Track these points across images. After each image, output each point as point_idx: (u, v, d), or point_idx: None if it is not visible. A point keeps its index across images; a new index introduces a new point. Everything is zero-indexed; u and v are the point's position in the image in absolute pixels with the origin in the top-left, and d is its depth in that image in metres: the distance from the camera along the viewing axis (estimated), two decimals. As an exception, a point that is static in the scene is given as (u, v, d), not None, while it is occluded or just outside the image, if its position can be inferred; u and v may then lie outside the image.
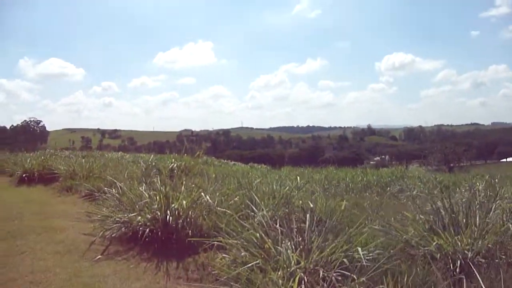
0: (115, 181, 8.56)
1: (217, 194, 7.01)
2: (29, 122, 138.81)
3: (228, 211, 6.09)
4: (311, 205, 6.21)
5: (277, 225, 4.96)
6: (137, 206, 6.66)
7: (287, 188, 7.60)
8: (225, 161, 32.20)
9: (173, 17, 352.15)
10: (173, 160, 13.03)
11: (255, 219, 5.41)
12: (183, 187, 7.35)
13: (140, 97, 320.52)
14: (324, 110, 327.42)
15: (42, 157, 14.49)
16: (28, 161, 13.93)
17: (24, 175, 12.91)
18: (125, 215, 6.43)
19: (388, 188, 11.00)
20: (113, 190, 8.43)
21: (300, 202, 6.67)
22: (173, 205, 6.12)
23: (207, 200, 6.47)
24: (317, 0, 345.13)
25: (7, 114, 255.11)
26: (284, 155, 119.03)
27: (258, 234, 4.80)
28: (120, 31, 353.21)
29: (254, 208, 5.89)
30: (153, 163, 12.48)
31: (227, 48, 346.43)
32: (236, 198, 6.95)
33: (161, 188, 7.00)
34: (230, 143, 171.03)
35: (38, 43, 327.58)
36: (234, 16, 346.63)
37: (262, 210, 5.62)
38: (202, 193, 6.53)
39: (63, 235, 6.88)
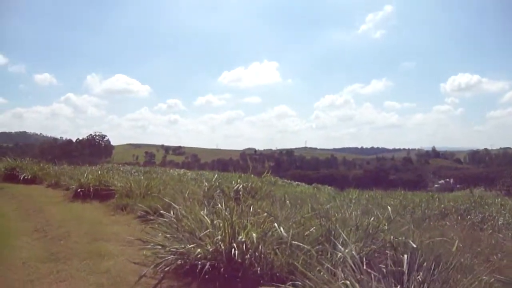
0: (172, 203, 7.96)
1: (290, 223, 6.22)
2: (94, 136, 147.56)
3: (305, 246, 5.27)
4: (411, 243, 5.19)
5: (365, 266, 4.33)
6: (197, 235, 6.00)
7: (372, 218, 6.64)
8: (289, 181, 32.19)
9: (238, 36, 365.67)
10: (239, 180, 12.38)
11: (338, 256, 4.86)
12: (250, 213, 6.64)
13: (205, 115, 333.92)
14: (389, 131, 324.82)
15: (99, 172, 14.51)
16: (85, 175, 14.01)
17: (79, 189, 12.95)
18: (183, 246, 5.78)
19: (469, 217, 10.34)
20: (171, 212, 8.00)
21: (391, 237, 5.68)
22: (240, 237, 5.37)
23: (281, 232, 5.65)
24: (382, 20, 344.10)
25: (74, 127, 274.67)
26: (348, 176, 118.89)
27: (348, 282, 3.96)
28: (186, 49, 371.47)
29: (337, 243, 5.22)
30: (217, 183, 11.91)
31: (292, 68, 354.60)
32: (312, 229, 6.09)
33: (226, 214, 6.33)
34: (293, 163, 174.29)
35: (105, 60, 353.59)
36: (299, 36, 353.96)
37: (346, 244, 5.11)
38: (275, 224, 5.71)
39: (110, 262, 6.41)
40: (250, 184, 11.88)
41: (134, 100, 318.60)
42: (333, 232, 5.72)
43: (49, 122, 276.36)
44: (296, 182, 32.49)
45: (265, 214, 6.90)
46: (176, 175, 35.08)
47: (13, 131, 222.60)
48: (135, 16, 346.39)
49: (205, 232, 5.97)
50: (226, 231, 5.59)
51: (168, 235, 6.50)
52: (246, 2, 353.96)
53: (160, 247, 6.04)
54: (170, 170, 41.00)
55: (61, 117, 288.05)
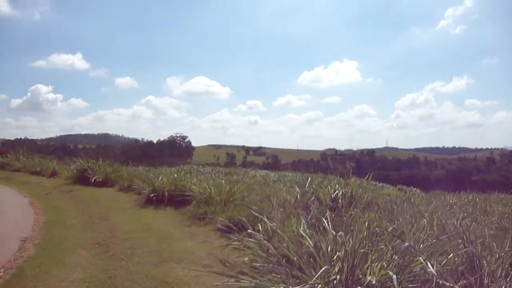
0: (261, 217, 6.61)
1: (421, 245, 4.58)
2: (175, 137, 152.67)
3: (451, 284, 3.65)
4: None
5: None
6: (296, 264, 4.51)
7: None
8: (374, 183, 31.84)
9: (318, 37, 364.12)
10: (337, 185, 10.76)
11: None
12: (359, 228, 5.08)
13: (285, 116, 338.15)
14: (470, 130, 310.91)
15: (175, 175, 13.52)
16: (159, 178, 13.09)
17: (152, 194, 12.03)
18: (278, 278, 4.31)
19: None
20: (259, 227, 6.64)
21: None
22: (368, 276, 3.75)
23: (427, 266, 3.96)
24: (462, 16, 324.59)
25: (154, 129, 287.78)
26: (429, 176, 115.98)
27: None
28: (266, 50, 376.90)
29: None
30: (311, 189, 10.34)
31: (372, 67, 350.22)
32: (450, 256, 4.41)
33: (333, 233, 4.78)
34: (375, 164, 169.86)
35: (185, 62, 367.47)
36: (379, 34, 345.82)
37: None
38: (420, 258, 4.03)
39: (179, 296, 5.08)
40: (350, 190, 10.22)
41: (215, 102, 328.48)
42: (476, 260, 4.37)
43: (130, 124, 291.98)
44: (381, 184, 32.76)
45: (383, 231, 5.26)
46: (258, 176, 34.48)
47: (95, 132, 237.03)
48: (214, 18, 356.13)
49: (307, 262, 4.44)
50: (344, 263, 3.98)
51: (257, 263, 5.05)
52: (325, 2, 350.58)
53: (247, 281, 4.57)
54: (252, 171, 40.51)
55: (142, 119, 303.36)
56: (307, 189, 10.21)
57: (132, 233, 8.58)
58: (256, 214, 7.36)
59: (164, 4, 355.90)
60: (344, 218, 8.34)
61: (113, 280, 5.80)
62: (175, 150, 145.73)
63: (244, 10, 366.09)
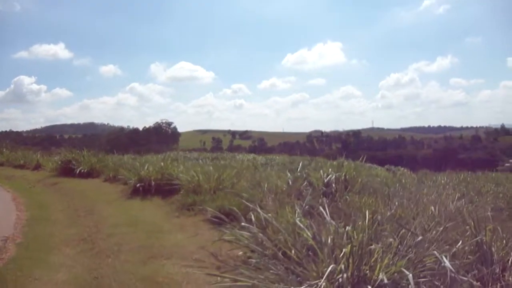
0: (253, 206, 6.31)
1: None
2: (161, 123, 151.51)
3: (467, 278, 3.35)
4: None
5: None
6: (294, 258, 4.19)
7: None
8: (360, 163, 32.50)
9: (301, 18, 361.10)
10: (329, 168, 10.45)
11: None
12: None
13: (270, 99, 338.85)
14: (456, 109, 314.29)
15: (162, 163, 13.10)
16: (145, 167, 12.67)
17: (138, 184, 11.64)
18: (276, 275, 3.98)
19: None
20: (252, 216, 6.32)
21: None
22: (377, 272, 3.43)
23: (445, 262, 3.63)
24: None
25: (140, 116, 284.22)
26: (416, 156, 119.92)
27: None
28: (249, 33, 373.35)
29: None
30: (303, 174, 10.01)
31: (356, 47, 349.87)
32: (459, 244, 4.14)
33: (331, 222, 4.46)
34: (361, 144, 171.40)
35: (168, 48, 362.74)
36: (362, 15, 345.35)
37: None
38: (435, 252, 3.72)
39: (170, 297, 4.76)
40: (344, 173, 9.93)
41: (199, 87, 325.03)
42: (486, 248, 4.11)
43: (115, 112, 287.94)
44: (368, 164, 32.77)
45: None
46: (246, 160, 34.20)
47: (81, 122, 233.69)
48: (195, 3, 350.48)
49: (306, 256, 4.11)
50: (350, 260, 3.65)
51: (253, 259, 4.72)
52: None
53: (243, 281, 4.23)
54: (239, 155, 40.17)
55: (127, 106, 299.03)
56: (299, 174, 9.87)
57: (118, 227, 8.22)
58: (247, 204, 7.00)
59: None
60: (340, 203, 8.09)
61: (100, 281, 5.45)
62: (161, 136, 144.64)
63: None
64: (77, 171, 15.49)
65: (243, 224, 5.91)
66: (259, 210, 6.27)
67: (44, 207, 10.95)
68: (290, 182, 9.46)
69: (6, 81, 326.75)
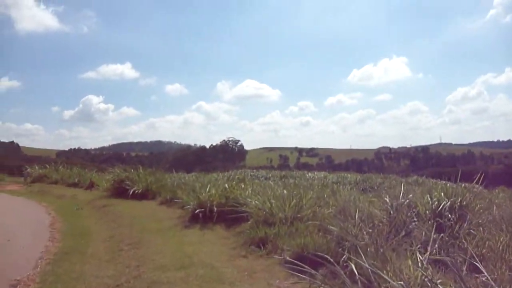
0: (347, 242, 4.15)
1: None
2: (227, 141, 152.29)
3: None
4: None
5: None
6: None
7: None
8: (434, 180, 30.05)
9: (365, 34, 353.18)
10: (440, 193, 8.02)
11: None
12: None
13: (337, 115, 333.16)
14: None
15: (225, 185, 11.11)
16: (207, 189, 10.77)
17: (197, 210, 9.74)
18: None
19: None
20: (352, 266, 4.29)
21: None
22: None
23: None
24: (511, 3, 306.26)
25: (206, 134, 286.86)
26: (487, 172, 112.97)
27: None
28: (314, 50, 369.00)
29: None
30: (405, 200, 7.59)
31: (421, 62, 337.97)
32: None
33: None
34: (429, 160, 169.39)
35: (233, 67, 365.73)
36: (426, 28, 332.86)
37: None
38: None
39: None
40: (459, 199, 7.52)
41: (265, 105, 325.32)
42: None
43: (182, 131, 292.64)
44: (443, 182, 30.56)
45: None
46: (317, 179, 31.90)
47: (148, 140, 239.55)
48: (260, 22, 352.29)
49: None
50: None
51: None
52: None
53: None
54: (308, 173, 37.89)
55: (193, 125, 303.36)
56: (402, 200, 7.49)
57: (166, 270, 6.25)
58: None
59: (209, 10, 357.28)
60: (464, 242, 5.83)
61: None
62: (228, 154, 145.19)
63: (289, 10, 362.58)
64: (131, 192, 13.87)
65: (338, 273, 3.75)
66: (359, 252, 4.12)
67: (84, 235, 9.31)
68: (392, 212, 7.17)
69: (75, 100, 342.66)
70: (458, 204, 7.32)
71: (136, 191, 13.94)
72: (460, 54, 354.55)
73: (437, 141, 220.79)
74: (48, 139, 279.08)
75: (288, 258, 6.21)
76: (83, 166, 31.74)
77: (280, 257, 6.60)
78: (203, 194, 10.44)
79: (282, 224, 7.73)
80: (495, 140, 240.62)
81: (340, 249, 6.03)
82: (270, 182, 14.13)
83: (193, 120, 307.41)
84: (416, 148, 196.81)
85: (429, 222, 6.78)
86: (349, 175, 36.48)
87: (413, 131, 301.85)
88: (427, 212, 7.22)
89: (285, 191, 9.49)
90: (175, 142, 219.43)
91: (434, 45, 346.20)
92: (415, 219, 6.88)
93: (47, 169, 23.16)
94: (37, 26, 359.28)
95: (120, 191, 14.61)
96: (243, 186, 11.20)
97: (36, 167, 24.08)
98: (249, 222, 8.51)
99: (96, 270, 6.57)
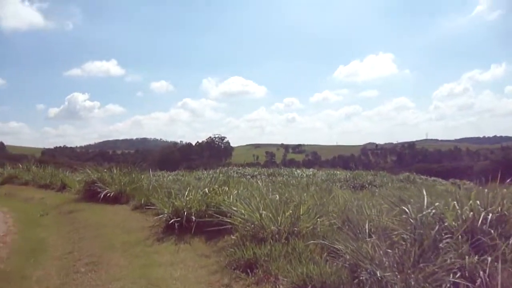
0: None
1: None
2: (213, 138, 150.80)
3: None
4: None
5: None
6: None
7: None
8: (424, 177, 32.57)
9: (351, 30, 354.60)
10: (475, 200, 6.42)
11: None
12: None
13: (323, 112, 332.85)
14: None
15: (206, 189, 9.38)
16: (186, 193, 9.14)
17: (173, 219, 8.13)
18: None
19: None
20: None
21: None
22: None
23: None
24: (498, 0, 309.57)
25: (192, 132, 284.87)
26: (473, 167, 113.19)
27: None
28: (300, 47, 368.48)
29: None
30: (431, 210, 6.00)
31: (407, 58, 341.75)
32: None
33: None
34: (415, 156, 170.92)
35: (219, 63, 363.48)
36: (412, 25, 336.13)
37: None
38: None
39: None
40: (497, 207, 5.98)
41: (251, 101, 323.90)
42: None
43: (168, 128, 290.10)
44: (432, 178, 32.20)
45: None
46: (305, 176, 30.38)
47: (134, 137, 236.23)
48: (246, 17, 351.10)
49: None
50: None
51: None
52: None
53: None
54: (297, 170, 36.34)
55: (179, 122, 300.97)
56: (429, 211, 5.90)
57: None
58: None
59: (194, 6, 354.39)
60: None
61: None
62: (214, 151, 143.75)
63: (275, 6, 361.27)
64: (102, 195, 12.18)
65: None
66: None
67: (37, 252, 7.66)
68: (412, 221, 5.61)
69: (60, 98, 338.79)
70: (497, 214, 5.81)
71: (108, 194, 12.24)
72: (446, 51, 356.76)
73: (424, 137, 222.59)
74: (33, 137, 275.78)
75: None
76: (66, 165, 29.91)
77: (272, 285, 5.07)
78: (180, 200, 8.83)
79: (275, 240, 6.16)
80: (481, 136, 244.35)
81: (356, 280, 4.51)
82: (258, 182, 12.44)
83: (179, 117, 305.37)
84: (403, 144, 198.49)
85: (461, 238, 5.29)
86: (338, 172, 35.08)
87: (399, 127, 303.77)
88: (457, 225, 5.69)
89: (277, 196, 7.88)
90: (160, 139, 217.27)
91: (420, 42, 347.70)
92: (446, 235, 5.37)
93: (18, 169, 21.30)
94: (22, 23, 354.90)
95: (91, 194, 12.90)
96: (226, 188, 9.54)
97: (8, 167, 22.21)
98: (234, 236, 6.92)
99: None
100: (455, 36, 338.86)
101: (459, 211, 5.88)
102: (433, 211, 5.84)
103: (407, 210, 5.92)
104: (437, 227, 5.35)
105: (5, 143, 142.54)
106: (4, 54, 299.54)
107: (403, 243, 5.20)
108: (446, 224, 5.65)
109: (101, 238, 8.29)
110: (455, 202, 6.14)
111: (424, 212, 5.70)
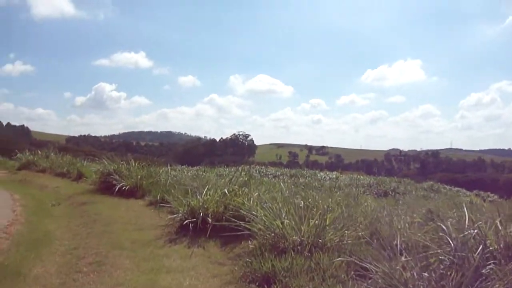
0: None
1: None
2: (238, 135, 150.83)
3: None
4: None
5: None
6: None
7: None
8: (448, 187, 31.92)
9: (381, 35, 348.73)
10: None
11: None
12: None
13: (349, 115, 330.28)
14: None
15: (225, 190, 8.67)
16: (204, 192, 8.52)
17: (187, 220, 7.56)
18: None
19: None
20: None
21: None
22: None
23: None
24: None
25: (217, 127, 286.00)
26: (498, 180, 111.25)
27: None
28: (328, 48, 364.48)
29: None
30: (474, 231, 5.26)
31: (436, 65, 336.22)
32: None
33: None
34: (439, 165, 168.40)
35: (247, 61, 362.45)
36: (443, 32, 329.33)
37: None
38: None
39: None
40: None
41: (277, 100, 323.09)
42: None
43: (193, 122, 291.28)
44: (456, 189, 31.34)
45: None
46: (328, 179, 29.63)
47: (159, 130, 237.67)
48: (277, 16, 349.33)
49: None
50: None
51: None
52: (389, 0, 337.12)
53: None
54: (320, 172, 35.55)
55: (205, 117, 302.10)
56: (471, 231, 5.15)
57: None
58: None
59: (226, 4, 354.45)
60: None
61: None
62: (238, 148, 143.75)
63: (307, 8, 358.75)
64: (117, 188, 11.70)
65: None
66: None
67: (41, 245, 7.19)
68: (453, 245, 4.89)
69: (88, 87, 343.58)
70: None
71: (124, 188, 11.77)
72: (475, 60, 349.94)
73: (448, 146, 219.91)
74: (59, 125, 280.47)
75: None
76: (86, 153, 29.76)
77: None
78: (196, 200, 8.24)
79: (297, 252, 5.51)
80: (507, 148, 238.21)
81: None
82: (281, 184, 11.72)
83: (205, 112, 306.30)
84: (427, 152, 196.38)
85: (503, 262, 4.60)
86: (361, 176, 34.36)
87: (424, 134, 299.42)
88: (499, 247, 4.99)
89: (301, 202, 7.21)
90: (185, 133, 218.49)
91: (449, 49, 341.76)
92: (489, 260, 4.66)
93: (36, 156, 21.06)
94: (53, 11, 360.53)
95: (106, 186, 12.44)
96: (246, 190, 8.89)
97: (27, 153, 22.01)
98: (252, 244, 6.30)
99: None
100: (485, 45, 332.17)
101: (501, 232, 5.19)
102: (475, 231, 5.13)
103: (444, 228, 5.21)
104: (480, 250, 4.64)
105: (32, 129, 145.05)
106: (34, 41, 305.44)
107: (441, 266, 4.53)
108: (489, 247, 4.98)
109: (110, 235, 7.77)
110: (498, 221, 5.43)
111: (466, 232, 4.99)
